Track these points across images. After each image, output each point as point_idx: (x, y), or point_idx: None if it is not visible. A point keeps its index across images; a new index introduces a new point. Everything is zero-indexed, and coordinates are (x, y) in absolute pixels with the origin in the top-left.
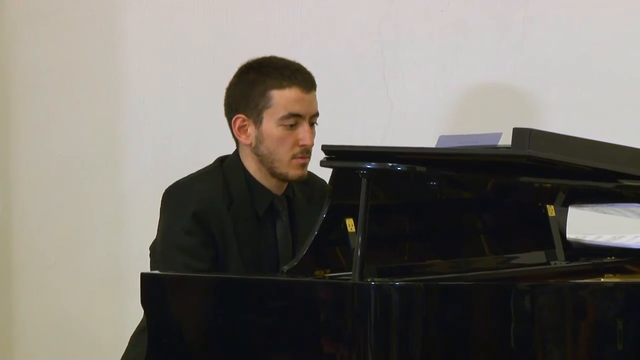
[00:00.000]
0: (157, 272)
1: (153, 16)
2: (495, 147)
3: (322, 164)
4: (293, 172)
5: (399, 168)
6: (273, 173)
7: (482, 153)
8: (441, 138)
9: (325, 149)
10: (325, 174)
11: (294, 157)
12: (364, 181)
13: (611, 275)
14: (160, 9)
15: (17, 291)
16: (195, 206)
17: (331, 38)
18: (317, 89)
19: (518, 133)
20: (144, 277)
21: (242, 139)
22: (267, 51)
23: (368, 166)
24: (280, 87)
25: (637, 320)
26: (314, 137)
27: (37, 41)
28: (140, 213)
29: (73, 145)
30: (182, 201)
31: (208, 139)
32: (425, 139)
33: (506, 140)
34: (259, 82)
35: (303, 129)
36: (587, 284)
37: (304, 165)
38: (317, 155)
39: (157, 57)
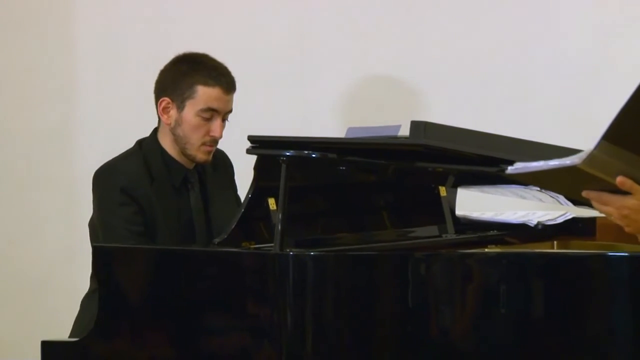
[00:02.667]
0: (106, 244)
1: (105, 24)
2: (396, 137)
3: (248, 151)
4: (200, 156)
5: (313, 155)
6: (184, 153)
7: (384, 142)
8: (349, 129)
9: (251, 138)
10: (251, 161)
11: (203, 144)
12: (283, 166)
13: (493, 246)
14: (110, 19)
15: None
16: (122, 183)
17: (253, 38)
18: (244, 83)
19: (415, 125)
20: (95, 249)
21: (164, 118)
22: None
23: (287, 153)
24: (206, 84)
25: (516, 284)
26: (223, 130)
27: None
28: (90, 195)
29: (35, 137)
30: (110, 179)
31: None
32: (337, 129)
33: (405, 131)
34: (189, 75)
35: (216, 123)
36: (473, 254)
37: (210, 152)
38: (244, 144)
39: (107, 63)
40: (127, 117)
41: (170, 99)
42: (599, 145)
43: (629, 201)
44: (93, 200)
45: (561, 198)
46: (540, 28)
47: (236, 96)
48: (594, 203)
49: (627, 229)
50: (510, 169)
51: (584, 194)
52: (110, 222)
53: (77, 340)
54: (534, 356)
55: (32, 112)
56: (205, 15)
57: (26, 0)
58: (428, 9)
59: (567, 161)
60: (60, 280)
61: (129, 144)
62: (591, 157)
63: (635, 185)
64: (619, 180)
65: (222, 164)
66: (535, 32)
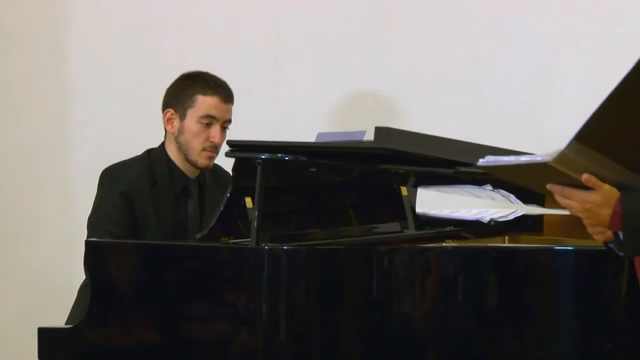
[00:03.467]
0: (97, 239)
1: (97, 35)
2: (361, 141)
3: (227, 154)
4: (201, 161)
5: (286, 158)
6: (187, 159)
7: (350, 146)
8: (319, 134)
9: (230, 143)
10: (229, 162)
11: (204, 149)
12: (259, 168)
13: (450, 240)
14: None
15: None
16: (123, 187)
17: (233, 52)
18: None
19: (378, 130)
20: (87, 244)
21: (169, 128)
22: (185, 65)
23: (262, 156)
24: (205, 93)
25: (471, 275)
26: (224, 138)
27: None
28: (85, 192)
29: (34, 138)
30: (114, 181)
31: (140, 136)
32: (309, 134)
33: (370, 136)
34: (190, 87)
35: (215, 129)
36: (432, 248)
37: (211, 157)
38: (224, 147)
39: (100, 70)
40: (118, 122)
41: (174, 110)
42: (570, 145)
43: (591, 196)
44: (95, 195)
45: (512, 197)
46: (495, 43)
47: None
48: (556, 196)
49: (586, 222)
50: (481, 162)
51: (549, 186)
52: (96, 219)
53: (71, 327)
54: (488, 340)
55: (30, 118)
56: (190, 30)
57: (21, 15)
58: (393, 25)
59: (537, 158)
60: (57, 272)
61: (120, 146)
62: (562, 156)
63: (599, 182)
64: (585, 177)
65: (222, 180)
66: (490, 47)
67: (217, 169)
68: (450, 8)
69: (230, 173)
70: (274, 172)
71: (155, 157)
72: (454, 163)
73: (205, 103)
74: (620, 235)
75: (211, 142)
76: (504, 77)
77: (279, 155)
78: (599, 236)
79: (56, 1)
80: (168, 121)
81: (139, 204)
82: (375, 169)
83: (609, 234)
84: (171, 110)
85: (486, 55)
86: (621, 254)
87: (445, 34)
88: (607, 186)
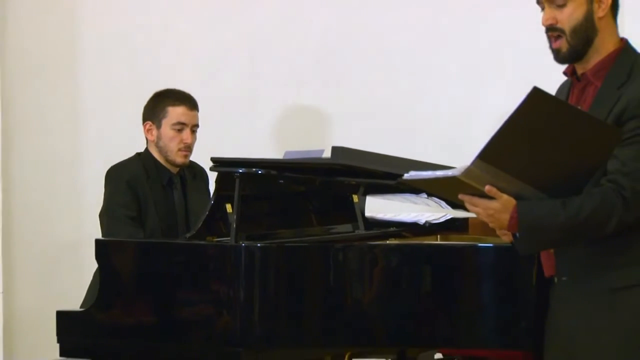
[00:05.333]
0: (105, 238)
1: (108, 52)
2: (320, 158)
3: (212, 169)
4: (179, 160)
5: (259, 172)
6: (167, 159)
7: (312, 162)
8: (286, 152)
9: (213, 159)
10: (213, 175)
11: (179, 150)
12: (237, 180)
13: (393, 239)
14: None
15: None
16: (127, 177)
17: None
18: (213, 111)
19: (334, 149)
20: (97, 242)
21: (149, 137)
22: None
23: (240, 171)
24: (174, 104)
25: (410, 268)
26: (194, 139)
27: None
28: (94, 200)
29: (57, 151)
30: (119, 175)
31: (139, 148)
32: (278, 152)
33: (328, 153)
34: (162, 102)
35: (186, 133)
36: (378, 245)
37: (186, 156)
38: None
39: (109, 92)
40: (123, 142)
41: (151, 122)
42: (474, 162)
43: (493, 204)
44: (104, 192)
45: (443, 203)
46: (427, 79)
47: (205, 128)
48: (466, 204)
49: (490, 224)
50: (406, 176)
51: (460, 197)
52: (112, 205)
53: (83, 310)
54: (423, 319)
55: (47, 137)
56: (192, 57)
57: (35, 45)
58: (341, 60)
59: (449, 172)
60: (70, 264)
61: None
62: (468, 171)
63: (499, 193)
64: (487, 188)
65: (199, 175)
66: (423, 83)
67: (193, 164)
68: (393, 47)
69: (202, 167)
70: (249, 183)
71: (144, 158)
72: (396, 176)
73: (175, 112)
74: (517, 235)
75: (184, 143)
76: (436, 106)
77: (253, 169)
78: (505, 237)
79: (68, 41)
80: (148, 131)
81: (141, 190)
82: (332, 180)
83: (510, 235)
84: (149, 122)
85: (421, 89)
86: (519, 251)
87: (389, 68)
88: (505, 196)
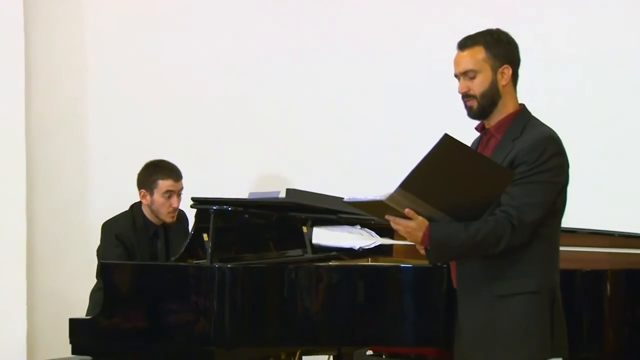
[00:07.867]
0: (106, 261)
1: (113, 73)
2: (277, 198)
3: (192, 206)
4: (168, 219)
5: (229, 209)
6: (158, 217)
7: (270, 201)
8: (250, 193)
9: (193, 199)
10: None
11: (168, 212)
12: (212, 215)
13: (334, 261)
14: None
15: (36, 269)
16: (116, 232)
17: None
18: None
19: (288, 190)
20: (100, 265)
21: (144, 201)
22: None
23: (214, 207)
24: (163, 178)
25: (347, 283)
26: (180, 200)
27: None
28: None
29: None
30: (110, 230)
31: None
32: (243, 193)
33: (283, 194)
34: (153, 175)
35: (174, 199)
36: (322, 265)
37: (173, 216)
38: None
39: (117, 113)
40: (125, 184)
41: (145, 190)
42: (396, 190)
43: (411, 223)
44: (100, 241)
45: (373, 233)
46: (351, 112)
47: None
48: (391, 223)
49: (408, 239)
50: (346, 198)
51: (386, 217)
52: (106, 254)
53: (91, 318)
54: (357, 324)
55: (60, 180)
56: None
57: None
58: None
59: (377, 197)
60: (81, 284)
61: (125, 203)
62: (391, 197)
63: (415, 215)
64: (406, 211)
65: (181, 220)
66: (347, 113)
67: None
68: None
69: (183, 211)
70: (221, 218)
71: (135, 212)
72: (336, 212)
73: (164, 184)
74: (428, 248)
75: (173, 207)
76: (359, 136)
77: (224, 206)
78: (422, 250)
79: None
80: (142, 197)
81: (128, 242)
82: (286, 215)
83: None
84: (143, 191)
85: (351, 119)
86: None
87: (314, 109)
88: (420, 217)
